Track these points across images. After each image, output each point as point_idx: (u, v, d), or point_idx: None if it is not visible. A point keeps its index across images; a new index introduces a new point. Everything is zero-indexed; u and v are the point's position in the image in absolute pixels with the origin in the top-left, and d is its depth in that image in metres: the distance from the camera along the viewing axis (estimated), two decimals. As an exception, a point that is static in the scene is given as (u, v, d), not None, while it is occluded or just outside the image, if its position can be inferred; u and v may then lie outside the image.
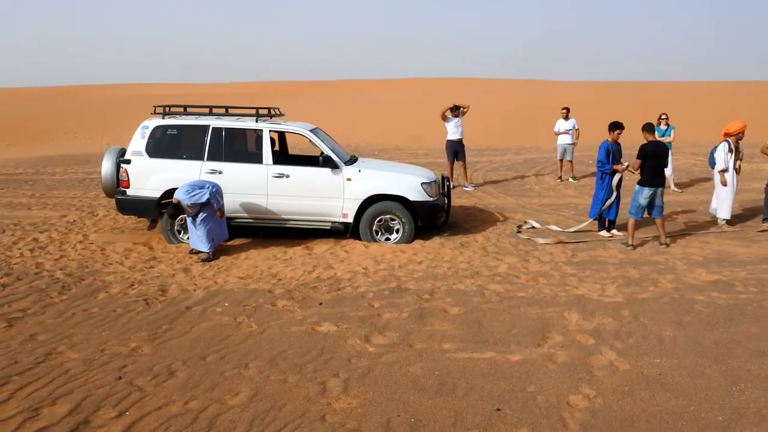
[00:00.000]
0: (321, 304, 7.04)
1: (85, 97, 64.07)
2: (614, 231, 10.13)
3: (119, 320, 6.61)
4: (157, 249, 9.45)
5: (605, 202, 9.93)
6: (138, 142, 9.58)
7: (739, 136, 10.47)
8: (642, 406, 4.73)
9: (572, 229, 10.30)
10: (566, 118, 15.60)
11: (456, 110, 14.55)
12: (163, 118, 9.78)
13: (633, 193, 9.42)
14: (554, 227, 10.53)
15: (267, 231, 10.09)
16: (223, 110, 10.15)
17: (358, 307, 6.90)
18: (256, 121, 9.77)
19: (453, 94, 37.15)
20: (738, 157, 10.55)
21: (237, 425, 4.50)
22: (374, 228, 9.52)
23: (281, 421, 4.56)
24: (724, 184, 10.44)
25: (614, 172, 9.81)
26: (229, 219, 9.46)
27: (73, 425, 4.49)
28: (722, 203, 10.59)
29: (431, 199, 9.63)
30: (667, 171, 13.91)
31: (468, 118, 15.52)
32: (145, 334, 6.21)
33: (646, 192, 9.20)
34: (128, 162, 9.55)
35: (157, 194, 9.48)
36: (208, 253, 8.86)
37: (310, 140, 9.71)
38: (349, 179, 9.46)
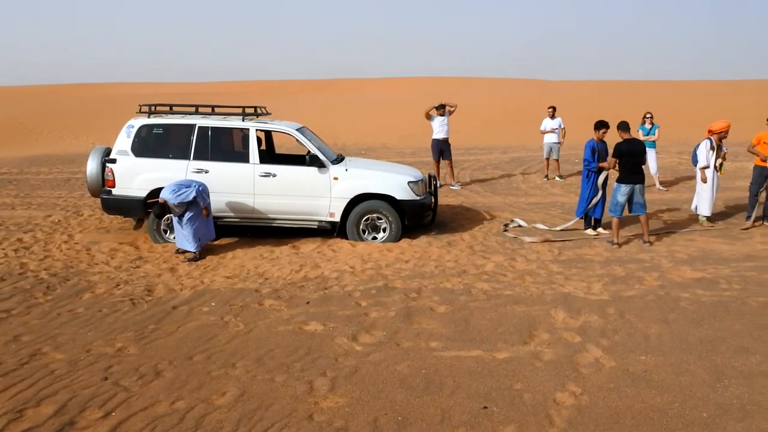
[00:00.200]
0: (308, 303, 7.03)
1: (69, 96, 63.51)
2: (600, 229, 10.20)
3: (105, 320, 6.57)
4: (143, 249, 9.40)
5: (591, 201, 9.98)
6: (123, 142, 9.52)
7: (721, 134, 10.56)
8: (627, 402, 4.77)
9: (559, 228, 10.35)
10: (552, 116, 15.67)
11: (441, 108, 14.53)
12: (149, 117, 9.73)
13: (612, 191, 9.50)
14: (541, 226, 10.58)
15: (254, 230, 10.07)
16: (209, 109, 10.10)
17: (345, 306, 6.90)
18: (243, 120, 9.74)
19: (445, 93, 37.20)
20: (720, 155, 10.64)
21: (224, 425, 4.49)
22: (361, 227, 9.52)
23: (268, 420, 4.55)
24: (704, 180, 10.55)
25: (600, 170, 9.87)
26: (216, 218, 9.42)
27: (59, 426, 4.47)
28: (702, 201, 10.71)
29: (418, 198, 9.64)
30: (652, 169, 14.06)
31: (456, 117, 15.55)
32: (131, 335, 6.18)
33: (624, 189, 9.27)
34: (114, 161, 9.49)
35: (143, 194, 9.43)
36: (194, 252, 8.83)
37: (297, 139, 9.69)
38: (336, 178, 9.45)
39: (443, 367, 5.40)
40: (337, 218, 9.53)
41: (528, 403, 4.76)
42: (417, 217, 9.73)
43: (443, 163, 14.86)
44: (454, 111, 14.81)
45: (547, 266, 8.38)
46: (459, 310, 6.73)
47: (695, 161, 10.85)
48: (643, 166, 9.42)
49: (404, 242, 9.47)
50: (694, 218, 11.00)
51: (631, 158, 9.21)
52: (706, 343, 5.83)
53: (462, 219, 11.30)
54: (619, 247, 9.26)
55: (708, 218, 10.73)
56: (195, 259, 8.78)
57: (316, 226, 9.60)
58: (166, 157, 9.51)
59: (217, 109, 10.16)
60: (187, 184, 8.69)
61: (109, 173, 9.50)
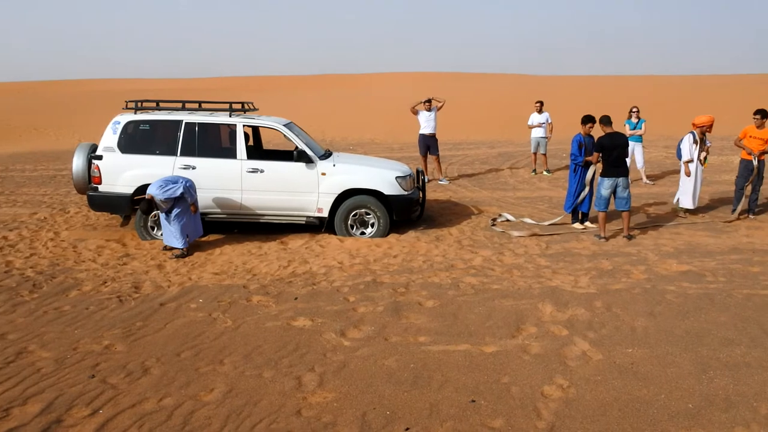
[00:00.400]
0: (296, 299, 7.03)
1: (54, 93, 63.03)
2: (587, 223, 10.25)
3: (92, 318, 6.53)
4: (130, 246, 9.35)
5: (579, 195, 10.03)
6: (110, 138, 9.46)
7: (704, 128, 10.64)
8: (614, 395, 4.80)
9: (547, 223, 10.39)
10: (540, 111, 15.71)
11: (428, 103, 14.50)
12: (135, 113, 9.67)
13: (597, 185, 9.56)
14: (528, 220, 10.61)
15: (242, 226, 10.04)
16: (196, 105, 10.05)
17: (333, 302, 6.90)
18: (230, 116, 9.70)
19: (433, 88, 37.27)
20: (703, 148, 10.73)
21: (212, 421, 4.48)
22: (349, 222, 9.52)
23: (257, 416, 4.55)
24: (688, 174, 10.64)
25: (587, 163, 9.91)
26: (204, 215, 9.39)
27: (45, 425, 4.44)
28: (683, 193, 10.83)
29: (406, 193, 9.64)
30: (639, 163, 14.14)
31: (443, 112, 15.54)
32: (119, 332, 6.15)
33: (607, 183, 9.33)
34: (100, 158, 9.43)
35: (130, 190, 9.38)
36: (182, 249, 8.79)
37: (284, 135, 9.66)
38: (323, 174, 9.44)
39: (431, 361, 5.42)
40: (325, 214, 9.52)
41: (516, 397, 4.79)
42: (405, 212, 9.73)
43: (430, 158, 14.85)
44: (442, 107, 14.78)
45: (534, 260, 8.41)
46: (447, 305, 6.74)
47: (680, 155, 10.93)
48: (628, 160, 9.47)
49: (392, 237, 9.48)
50: (684, 212, 11.08)
51: (613, 151, 9.25)
52: (692, 336, 5.88)
53: (450, 214, 11.32)
54: (606, 241, 9.31)
55: (688, 210, 10.85)
56: (182, 256, 8.74)
57: (304, 222, 9.59)
58: (153, 153, 9.46)
59: (204, 105, 10.12)
60: (175, 180, 8.65)
61: (96, 170, 9.44)
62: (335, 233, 9.55)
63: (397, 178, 9.58)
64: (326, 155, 9.97)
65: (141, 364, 5.41)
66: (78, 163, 9.79)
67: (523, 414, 4.54)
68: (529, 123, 15.84)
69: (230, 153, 9.57)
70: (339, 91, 57.54)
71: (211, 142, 9.82)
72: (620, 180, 9.32)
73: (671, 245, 9.03)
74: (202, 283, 7.69)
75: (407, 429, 4.37)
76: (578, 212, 10.27)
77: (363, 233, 9.58)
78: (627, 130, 13.85)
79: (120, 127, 9.47)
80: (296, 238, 9.58)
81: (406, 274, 7.81)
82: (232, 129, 9.77)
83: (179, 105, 9.94)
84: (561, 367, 5.27)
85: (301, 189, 9.45)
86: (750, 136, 10.63)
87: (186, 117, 9.56)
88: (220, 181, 9.41)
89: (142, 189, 9.10)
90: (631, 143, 13.35)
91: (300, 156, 9.39)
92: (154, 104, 9.88)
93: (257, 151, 10.86)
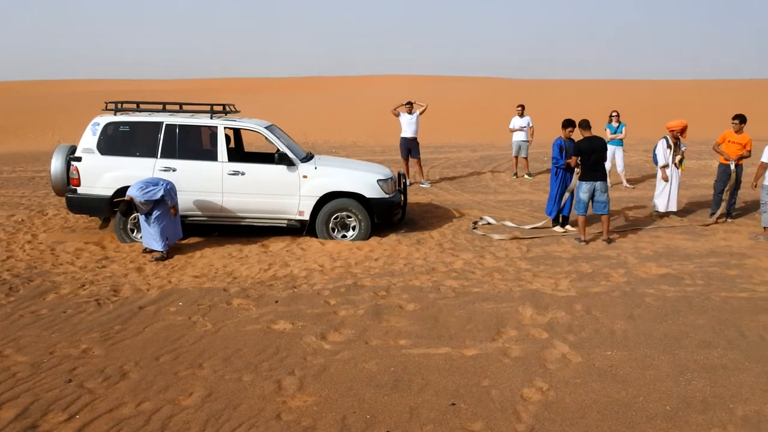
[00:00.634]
0: (277, 302, 7.00)
1: (31, 93, 62.33)
2: (568, 227, 10.32)
3: (69, 321, 6.45)
4: (109, 248, 9.25)
5: (561, 199, 10.08)
6: (89, 139, 9.36)
7: (675, 132, 10.76)
8: (593, 397, 4.84)
9: (528, 227, 10.44)
10: (521, 115, 15.79)
11: (408, 105, 14.51)
12: (115, 114, 9.59)
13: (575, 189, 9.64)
14: (509, 223, 10.66)
15: (222, 229, 9.98)
16: (176, 107, 9.98)
17: (314, 305, 6.88)
18: (211, 118, 9.65)
19: (415, 91, 37.30)
20: (678, 152, 10.86)
21: (191, 426, 4.45)
22: (330, 225, 9.50)
23: (236, 420, 4.52)
24: (666, 179, 10.77)
25: (568, 166, 9.97)
26: (184, 217, 9.32)
27: (20, 430, 4.38)
28: (658, 196, 10.99)
29: (387, 196, 9.65)
30: (619, 167, 14.27)
31: (425, 115, 15.55)
32: (97, 336, 6.09)
33: (585, 186, 9.40)
34: (79, 159, 9.33)
35: (109, 192, 9.28)
36: (162, 251, 8.72)
37: (266, 137, 9.62)
38: (305, 176, 9.41)
39: (412, 364, 5.42)
40: (306, 216, 9.49)
41: (496, 400, 4.80)
42: (386, 215, 9.73)
43: (412, 161, 14.86)
44: (424, 111, 14.79)
45: (515, 263, 8.45)
46: (428, 308, 6.75)
47: (656, 161, 11.05)
48: (607, 164, 9.55)
49: (374, 240, 9.47)
50: (658, 215, 11.19)
51: (591, 155, 9.32)
52: (670, 338, 5.93)
53: (431, 217, 11.34)
54: (587, 244, 9.37)
55: (658, 212, 11.04)
56: (162, 259, 8.67)
57: (285, 225, 9.55)
58: (133, 155, 9.38)
59: (184, 107, 10.04)
60: (155, 182, 8.58)
61: (74, 171, 9.34)
62: (316, 236, 9.53)
63: (378, 181, 9.58)
64: (308, 158, 9.95)
65: (119, 368, 5.36)
66: (57, 164, 9.67)
67: (502, 417, 4.56)
68: (511, 126, 15.91)
69: (211, 155, 9.51)
70: (320, 94, 57.48)
71: (192, 144, 9.75)
72: (598, 184, 9.38)
73: (650, 248, 9.11)
74: (182, 286, 7.63)
75: None
76: (558, 216, 10.34)
77: (344, 236, 9.57)
78: (607, 135, 13.97)
79: (99, 129, 9.38)
80: (277, 241, 9.54)
81: (387, 277, 7.81)
82: (213, 131, 9.72)
83: (160, 107, 9.86)
84: (541, 370, 5.29)
85: (282, 192, 9.41)
86: (728, 141, 10.77)
87: (166, 119, 9.49)
88: (200, 183, 9.35)
89: (122, 191, 9.00)
90: (611, 147, 13.49)
91: (281, 159, 9.36)
92: (134, 105, 9.80)
93: (238, 153, 10.81)
